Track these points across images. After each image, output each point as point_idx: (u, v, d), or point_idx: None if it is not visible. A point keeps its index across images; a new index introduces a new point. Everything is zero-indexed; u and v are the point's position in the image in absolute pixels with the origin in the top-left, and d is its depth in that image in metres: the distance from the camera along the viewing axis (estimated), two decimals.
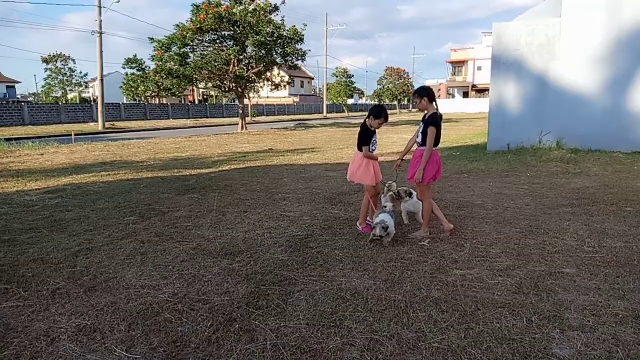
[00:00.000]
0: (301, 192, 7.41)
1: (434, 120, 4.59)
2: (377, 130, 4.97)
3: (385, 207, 4.95)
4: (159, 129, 29.01)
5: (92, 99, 55.87)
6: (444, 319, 3.04)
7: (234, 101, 52.52)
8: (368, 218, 5.15)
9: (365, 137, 4.87)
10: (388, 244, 4.53)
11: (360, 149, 4.93)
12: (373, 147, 4.96)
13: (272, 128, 28.15)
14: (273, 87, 28.14)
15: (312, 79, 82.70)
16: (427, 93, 4.68)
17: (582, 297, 3.33)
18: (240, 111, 26.62)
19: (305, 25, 25.14)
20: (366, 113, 4.94)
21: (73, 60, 57.53)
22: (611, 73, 11.27)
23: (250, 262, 4.18)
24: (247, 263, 4.15)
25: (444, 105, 54.72)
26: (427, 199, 4.86)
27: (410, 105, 79.77)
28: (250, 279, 3.77)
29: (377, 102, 76.03)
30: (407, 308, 3.21)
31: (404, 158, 5.15)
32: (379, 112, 4.81)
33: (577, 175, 8.60)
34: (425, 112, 4.71)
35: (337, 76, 62.98)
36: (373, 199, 5.09)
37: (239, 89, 25.52)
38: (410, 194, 5.24)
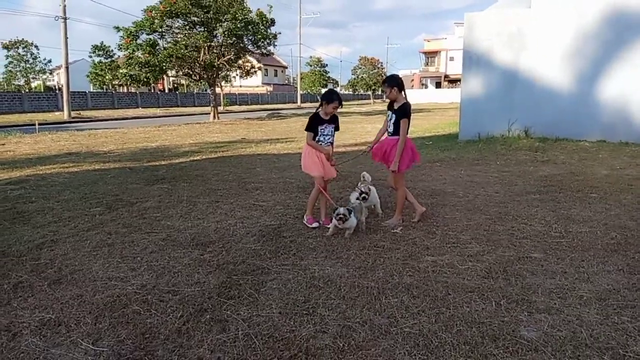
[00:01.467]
0: (274, 181, 7.35)
1: (405, 112, 4.58)
2: (335, 129, 4.79)
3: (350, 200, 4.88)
4: (127, 119, 28.27)
5: (57, 87, 53.77)
6: (416, 305, 3.07)
7: (205, 90, 51.56)
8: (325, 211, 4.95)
9: (311, 123, 4.69)
10: (349, 236, 4.48)
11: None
12: (322, 139, 4.75)
13: (245, 118, 27.81)
14: (244, 73, 27.63)
15: (286, 68, 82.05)
16: (396, 82, 4.65)
17: (549, 281, 3.42)
18: (212, 100, 26.15)
19: (271, 7, 23.93)
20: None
21: (36, 46, 54.95)
22: (578, 63, 11.55)
23: (222, 252, 4.11)
24: (218, 253, 4.08)
25: (417, 96, 55.35)
26: (401, 187, 4.89)
27: (384, 96, 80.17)
28: (222, 269, 3.71)
29: (351, 92, 76.16)
30: (379, 294, 3.22)
31: (373, 148, 5.13)
32: (330, 96, 4.60)
33: (544, 163, 8.82)
34: (393, 100, 4.71)
35: (311, 65, 62.77)
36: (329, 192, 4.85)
37: (210, 78, 25.01)
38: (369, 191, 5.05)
